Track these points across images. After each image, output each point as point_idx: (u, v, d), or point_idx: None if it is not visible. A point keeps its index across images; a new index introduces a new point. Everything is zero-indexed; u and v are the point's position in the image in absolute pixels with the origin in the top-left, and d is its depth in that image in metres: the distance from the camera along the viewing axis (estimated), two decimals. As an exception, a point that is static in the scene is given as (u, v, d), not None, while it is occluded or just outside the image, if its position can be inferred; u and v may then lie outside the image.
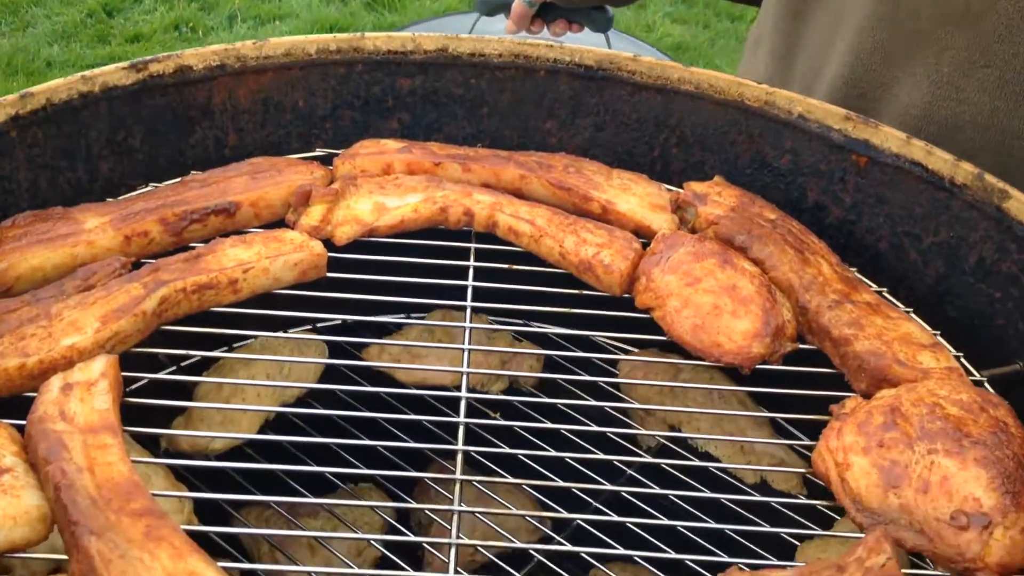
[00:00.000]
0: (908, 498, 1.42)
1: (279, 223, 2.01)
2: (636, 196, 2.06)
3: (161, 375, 2.01)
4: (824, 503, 1.60)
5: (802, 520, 1.93)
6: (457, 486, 1.51)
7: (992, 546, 1.35)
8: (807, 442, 1.68)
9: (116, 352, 1.61)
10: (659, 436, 2.17)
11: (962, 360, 1.73)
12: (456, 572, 1.37)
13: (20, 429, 1.45)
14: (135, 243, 1.83)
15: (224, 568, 1.26)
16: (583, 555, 1.73)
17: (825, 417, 1.67)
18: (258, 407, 2.03)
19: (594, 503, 2.14)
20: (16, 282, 1.71)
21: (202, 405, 1.91)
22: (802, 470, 1.70)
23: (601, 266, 1.88)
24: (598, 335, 2.30)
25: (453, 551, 1.40)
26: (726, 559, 1.54)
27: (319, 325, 2.38)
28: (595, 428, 1.93)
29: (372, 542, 2.15)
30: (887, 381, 1.64)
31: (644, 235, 1.99)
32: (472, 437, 1.96)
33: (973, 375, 1.72)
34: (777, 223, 1.98)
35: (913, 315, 1.83)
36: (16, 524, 1.30)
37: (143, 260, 1.83)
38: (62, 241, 1.76)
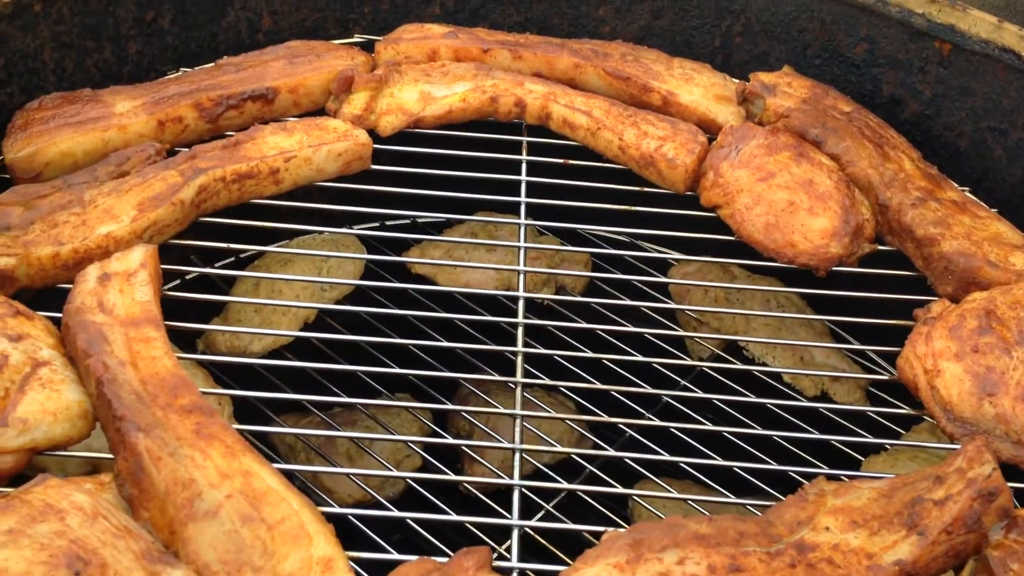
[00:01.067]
0: (1005, 407, 1.32)
1: (318, 112, 1.89)
2: (700, 87, 1.92)
3: (200, 270, 1.90)
4: (885, 410, 1.52)
5: (864, 433, 1.84)
6: (518, 391, 1.42)
7: (1097, 458, 1.26)
8: (884, 348, 1.57)
9: (153, 243, 1.52)
10: (722, 337, 2.05)
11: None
12: (521, 479, 1.29)
13: (55, 323, 1.37)
14: (169, 129, 1.72)
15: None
16: (632, 464, 1.64)
17: (903, 322, 1.56)
18: (301, 303, 1.94)
19: (647, 413, 2.06)
20: (45, 168, 1.61)
21: (245, 300, 1.81)
22: (887, 375, 1.59)
23: (664, 160, 1.76)
24: (646, 240, 2.22)
25: (517, 457, 1.32)
26: (775, 466, 1.47)
27: (357, 226, 2.27)
28: (673, 332, 1.84)
29: (410, 444, 2.07)
30: (976, 284, 1.53)
31: (708, 129, 1.85)
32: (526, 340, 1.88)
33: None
34: (853, 116, 1.84)
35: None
36: (56, 420, 1.22)
37: (176, 148, 1.72)
38: (92, 125, 1.65)
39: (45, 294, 1.47)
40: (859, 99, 1.97)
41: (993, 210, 1.74)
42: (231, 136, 1.71)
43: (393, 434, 2.07)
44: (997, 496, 1.14)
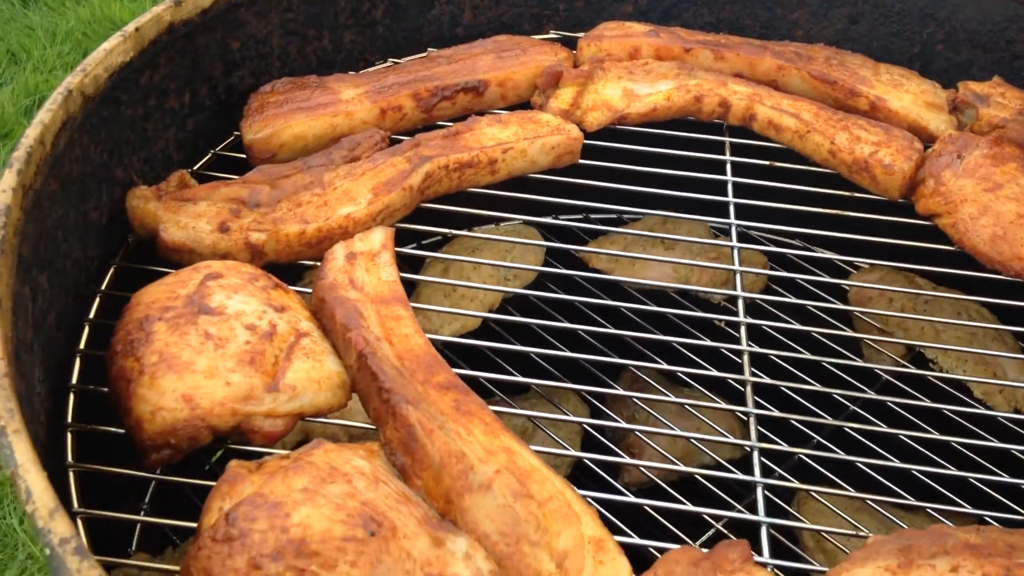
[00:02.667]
0: None
1: (522, 105, 1.93)
2: (909, 93, 1.89)
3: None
4: None
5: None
6: (749, 387, 1.43)
7: None
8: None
9: (385, 224, 1.57)
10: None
11: None
12: (762, 476, 1.29)
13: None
14: (389, 117, 1.77)
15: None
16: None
17: None
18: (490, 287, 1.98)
19: (817, 437, 2.03)
20: (280, 150, 1.68)
21: (442, 282, 1.85)
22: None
23: (880, 166, 1.74)
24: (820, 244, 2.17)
25: (756, 454, 1.32)
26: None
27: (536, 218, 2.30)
28: (888, 339, 1.80)
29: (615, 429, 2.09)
30: None
31: (918, 136, 1.82)
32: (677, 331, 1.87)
33: None
34: (1074, 129, 1.79)
35: None
36: (320, 388, 1.27)
37: (394, 136, 1.77)
38: (322, 110, 1.71)
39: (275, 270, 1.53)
40: (1073, 112, 1.91)
41: None
42: (450, 126, 1.76)
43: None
44: None
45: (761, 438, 1.37)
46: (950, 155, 1.70)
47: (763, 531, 1.24)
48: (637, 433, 2.10)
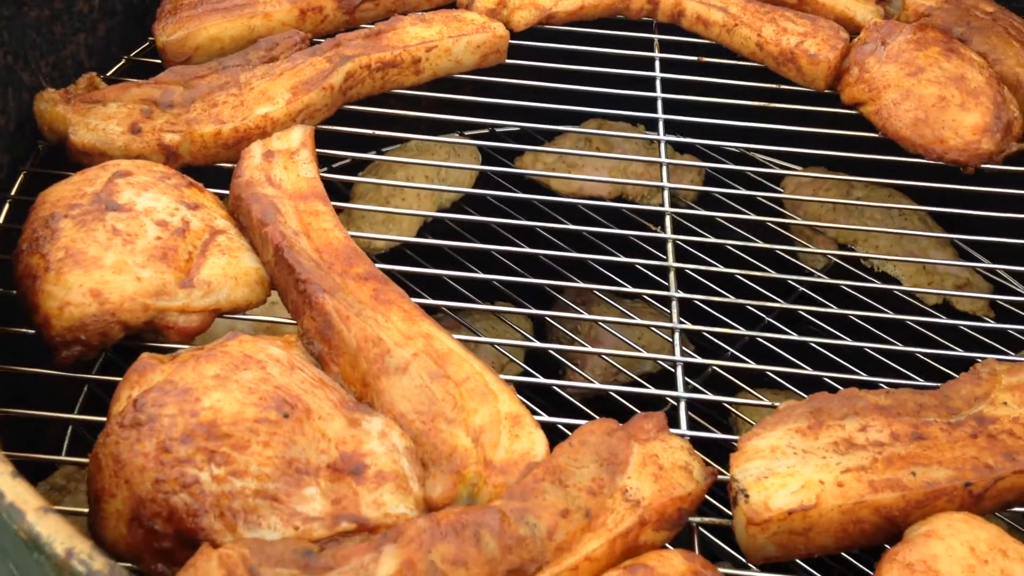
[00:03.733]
0: None
1: (451, 6, 1.89)
2: (837, -15, 1.88)
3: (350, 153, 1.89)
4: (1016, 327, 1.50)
5: (992, 343, 1.81)
6: (674, 303, 1.42)
7: None
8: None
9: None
10: (832, 255, 2.04)
11: None
12: (685, 390, 1.30)
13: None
14: (310, 18, 1.73)
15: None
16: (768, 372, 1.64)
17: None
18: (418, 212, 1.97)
19: (767, 318, 2.06)
20: (195, 52, 1.63)
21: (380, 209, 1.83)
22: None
23: (806, 56, 1.73)
24: (756, 149, 2.18)
25: (680, 368, 1.33)
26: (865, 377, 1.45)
27: (467, 132, 2.27)
28: (807, 249, 1.79)
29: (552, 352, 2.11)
30: None
31: (847, 27, 1.82)
32: (632, 248, 1.86)
33: None
34: (997, 16, 1.80)
35: None
36: (237, 284, 1.25)
37: (315, 39, 1.73)
38: (239, 12, 1.66)
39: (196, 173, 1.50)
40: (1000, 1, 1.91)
41: None
42: (372, 27, 1.72)
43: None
44: None
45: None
46: (874, 42, 1.70)
47: (682, 406, 1.25)
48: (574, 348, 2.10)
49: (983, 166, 1.60)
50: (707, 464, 1.11)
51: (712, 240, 1.66)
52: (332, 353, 1.16)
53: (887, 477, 1.05)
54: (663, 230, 1.56)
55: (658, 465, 1.06)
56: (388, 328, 1.17)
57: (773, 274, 1.70)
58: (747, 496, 1.04)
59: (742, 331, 1.65)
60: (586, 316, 2.03)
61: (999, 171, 1.63)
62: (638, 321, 1.61)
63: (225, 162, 1.49)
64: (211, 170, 1.49)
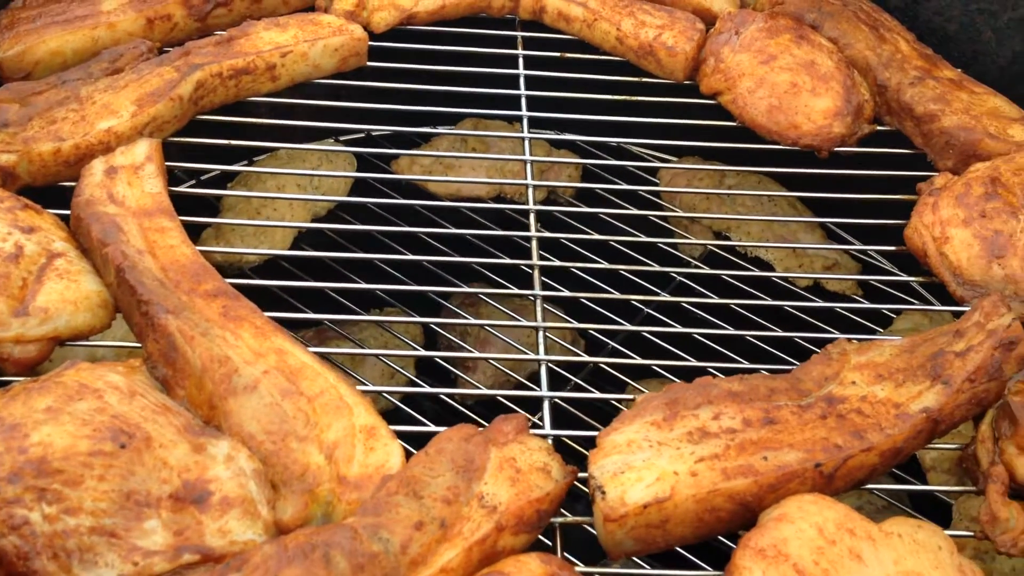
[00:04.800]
0: (1014, 268, 1.36)
1: (309, 9, 1.85)
2: (694, -23, 1.90)
3: (181, 189, 1.86)
4: (888, 307, 1.54)
5: (865, 323, 1.86)
6: (539, 302, 1.42)
7: (1102, 312, 1.30)
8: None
9: (155, 138, 1.48)
10: (710, 244, 2.08)
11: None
12: (549, 388, 1.29)
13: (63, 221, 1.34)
14: (158, 27, 1.67)
15: (311, 347, 1.18)
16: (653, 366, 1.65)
17: (905, 197, 1.58)
18: (292, 224, 1.92)
19: (646, 310, 2.07)
20: (35, 67, 1.55)
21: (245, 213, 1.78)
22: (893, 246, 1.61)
23: (664, 49, 1.75)
24: (633, 143, 2.20)
25: (544, 368, 1.32)
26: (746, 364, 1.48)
27: (343, 137, 2.24)
28: (687, 240, 1.81)
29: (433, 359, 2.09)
30: (977, 156, 1.55)
31: (704, 18, 1.84)
32: (514, 250, 1.86)
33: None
34: (848, 1, 1.84)
35: (993, 94, 1.73)
36: (77, 309, 1.20)
37: (165, 48, 1.67)
38: (80, 23, 1.59)
39: (43, 192, 1.43)
40: (850, -13, 1.96)
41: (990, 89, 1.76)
42: (224, 33, 1.67)
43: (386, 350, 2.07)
44: (1017, 345, 1.18)
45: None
46: (728, 32, 1.73)
47: (545, 404, 1.25)
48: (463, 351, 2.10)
49: (839, 149, 1.64)
50: (567, 463, 1.11)
51: (584, 236, 1.66)
52: (177, 376, 1.12)
53: (739, 463, 1.06)
54: (532, 229, 1.55)
55: (515, 468, 1.05)
56: (237, 346, 1.14)
57: (656, 267, 1.71)
58: (603, 493, 1.04)
59: (624, 326, 1.66)
60: (467, 321, 2.02)
61: (862, 153, 1.67)
62: (500, 322, 1.61)
63: (68, 181, 1.42)
64: (55, 190, 1.43)
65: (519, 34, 1.88)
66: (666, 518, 1.04)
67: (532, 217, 1.56)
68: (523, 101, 1.75)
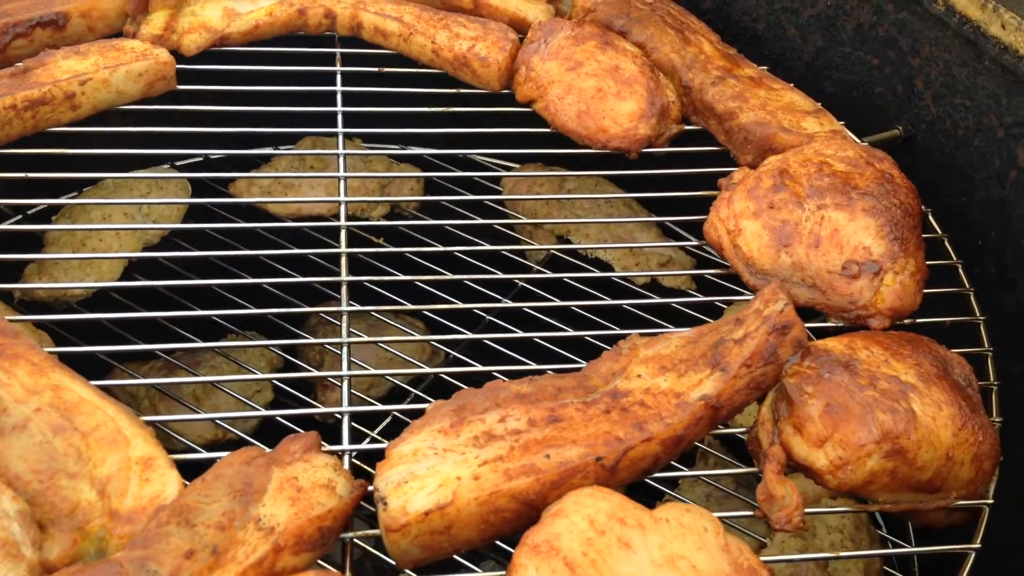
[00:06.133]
0: (800, 255, 1.42)
1: (117, 36, 1.81)
2: (508, -13, 1.93)
3: (4, 226, 1.80)
4: (720, 299, 1.59)
5: (700, 316, 1.91)
6: (344, 318, 1.41)
7: (883, 292, 1.37)
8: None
9: (-59, 177, 1.43)
10: (552, 248, 2.12)
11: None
12: (350, 404, 1.29)
13: None
14: (-51, 61, 1.61)
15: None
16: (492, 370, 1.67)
17: (710, 193, 1.63)
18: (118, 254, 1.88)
19: (488, 317, 2.09)
20: None
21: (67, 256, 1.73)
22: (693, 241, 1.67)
23: (477, 60, 1.77)
24: (477, 153, 2.23)
25: (346, 383, 1.32)
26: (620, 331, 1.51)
27: (179, 163, 2.20)
28: (487, 247, 1.84)
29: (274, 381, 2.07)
30: (772, 150, 1.61)
31: (520, 28, 1.87)
32: (358, 266, 1.86)
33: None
34: (656, 6, 1.90)
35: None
36: None
37: (-39, 83, 1.61)
38: None
39: None
40: (662, -8, 2.02)
41: (789, 85, 1.83)
42: (20, 64, 1.62)
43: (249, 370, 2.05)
44: (791, 329, 1.23)
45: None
46: (538, 41, 1.76)
47: (345, 420, 1.25)
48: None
49: (652, 150, 1.69)
50: (356, 477, 1.11)
51: (390, 249, 1.67)
52: (-58, 420, 1.08)
53: (522, 463, 1.08)
54: (342, 245, 1.55)
55: (296, 487, 1.05)
56: (10, 384, 1.10)
57: (499, 274, 1.72)
58: (385, 504, 1.05)
59: (467, 335, 1.66)
60: (314, 340, 2.01)
61: (673, 152, 1.72)
62: (310, 340, 1.60)
63: None
64: None
65: (338, 51, 1.87)
66: (449, 523, 1.05)
67: (343, 233, 1.56)
68: (339, 118, 1.75)
